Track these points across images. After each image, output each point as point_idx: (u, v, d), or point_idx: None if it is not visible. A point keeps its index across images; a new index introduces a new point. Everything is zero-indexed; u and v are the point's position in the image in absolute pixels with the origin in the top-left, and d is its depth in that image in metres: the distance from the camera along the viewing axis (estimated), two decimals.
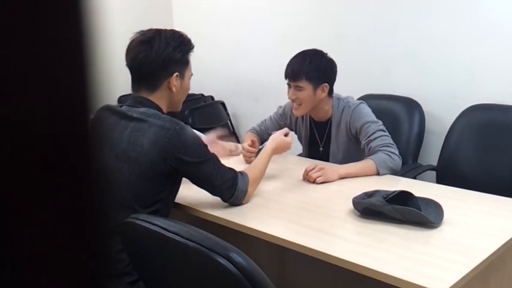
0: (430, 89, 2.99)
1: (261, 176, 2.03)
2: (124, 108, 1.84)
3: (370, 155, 2.28)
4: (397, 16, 3.07)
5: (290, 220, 1.88)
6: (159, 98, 1.85)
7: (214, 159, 1.85)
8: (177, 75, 1.84)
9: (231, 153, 2.38)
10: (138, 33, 1.84)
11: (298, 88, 2.36)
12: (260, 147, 2.43)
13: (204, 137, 2.32)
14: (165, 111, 1.87)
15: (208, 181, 1.84)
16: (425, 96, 2.97)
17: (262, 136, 2.65)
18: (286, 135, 2.18)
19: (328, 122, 2.51)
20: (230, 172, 1.88)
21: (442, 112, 2.94)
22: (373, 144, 2.29)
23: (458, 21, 2.83)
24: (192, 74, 1.94)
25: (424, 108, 2.92)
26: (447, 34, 2.88)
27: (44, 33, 0.31)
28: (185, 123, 1.84)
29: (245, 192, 1.91)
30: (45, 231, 0.33)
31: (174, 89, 1.85)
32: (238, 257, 1.17)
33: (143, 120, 1.77)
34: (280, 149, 2.15)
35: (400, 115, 2.92)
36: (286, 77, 2.41)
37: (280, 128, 2.61)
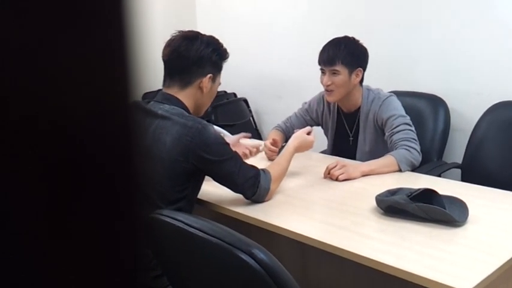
0: (455, 86, 2.95)
1: (283, 173, 2.03)
2: (151, 104, 1.87)
3: (391, 148, 2.28)
4: (422, 13, 3.03)
5: (313, 217, 1.88)
6: (188, 96, 1.87)
7: (236, 157, 1.85)
8: (210, 77, 1.88)
9: (253, 154, 2.39)
10: (179, 31, 1.90)
11: (334, 72, 2.35)
12: (283, 144, 2.43)
13: (228, 138, 2.33)
14: (191, 111, 1.89)
15: (231, 179, 1.85)
16: (451, 93, 2.93)
17: (288, 133, 2.64)
18: (308, 133, 2.18)
19: (357, 113, 2.51)
20: (252, 170, 1.88)
21: (467, 109, 2.90)
22: (395, 137, 2.29)
23: (484, 17, 2.79)
24: (220, 83, 1.98)
25: (449, 105, 2.89)
26: (472, 30, 2.84)
27: (86, 31, 0.32)
28: (208, 120, 1.86)
29: (267, 189, 1.91)
30: (84, 224, 0.34)
31: (204, 90, 1.88)
32: (260, 253, 1.18)
33: (167, 118, 1.80)
34: (302, 147, 2.15)
35: (424, 112, 2.89)
36: (320, 62, 2.40)
37: (306, 123, 2.63)
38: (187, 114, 1.83)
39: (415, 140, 2.28)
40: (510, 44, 2.72)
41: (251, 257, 1.17)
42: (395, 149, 2.26)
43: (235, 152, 1.89)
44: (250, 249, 1.18)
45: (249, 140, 2.51)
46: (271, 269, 1.17)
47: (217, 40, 1.93)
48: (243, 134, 2.48)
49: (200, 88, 1.88)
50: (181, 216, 1.38)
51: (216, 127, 1.90)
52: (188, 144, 1.75)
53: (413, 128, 2.32)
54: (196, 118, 1.82)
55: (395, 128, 2.31)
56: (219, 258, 1.27)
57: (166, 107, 1.83)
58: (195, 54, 1.84)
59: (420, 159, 2.26)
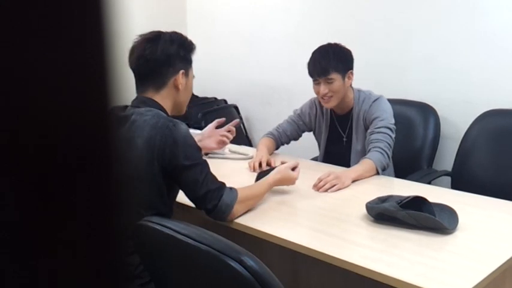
0: (445, 94, 2.96)
1: (254, 199, 1.93)
2: (127, 109, 1.82)
3: (367, 145, 2.37)
4: (412, 21, 3.05)
5: (303, 224, 1.88)
6: (164, 97, 1.83)
7: (204, 165, 1.77)
8: (183, 73, 1.84)
9: (231, 136, 2.39)
10: (140, 35, 1.84)
11: (329, 81, 2.40)
12: (266, 169, 2.36)
13: (204, 130, 2.29)
14: (169, 112, 1.85)
15: (193, 187, 1.76)
16: (441, 101, 2.94)
17: (280, 139, 2.66)
18: (294, 168, 2.09)
19: (349, 114, 2.55)
20: (217, 183, 1.80)
21: (457, 117, 2.92)
22: (373, 136, 2.36)
23: (474, 26, 2.81)
24: (194, 76, 1.93)
25: (439, 113, 2.90)
26: (462, 39, 2.86)
27: (64, 33, 0.31)
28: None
29: (230, 206, 1.79)
30: (63, 230, 0.33)
31: (180, 87, 1.84)
32: (250, 260, 1.17)
33: (140, 121, 1.74)
34: (283, 182, 2.07)
35: (414, 120, 2.90)
36: (313, 74, 2.43)
37: (299, 128, 2.65)
38: (162, 114, 1.78)
39: (390, 145, 2.35)
40: (499, 53, 2.73)
41: (241, 264, 1.16)
42: (370, 148, 2.33)
43: (205, 160, 1.80)
44: (239, 257, 1.17)
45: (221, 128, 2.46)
46: (260, 276, 1.16)
47: (180, 34, 1.87)
48: (216, 120, 2.43)
49: (176, 86, 1.83)
50: (170, 223, 1.37)
51: (189, 130, 1.85)
52: (159, 145, 1.69)
53: (393, 134, 2.38)
54: (167, 117, 1.77)
55: (377, 128, 2.37)
56: (208, 265, 1.26)
57: (142, 109, 1.78)
58: (161, 55, 1.79)
59: (389, 164, 2.36)
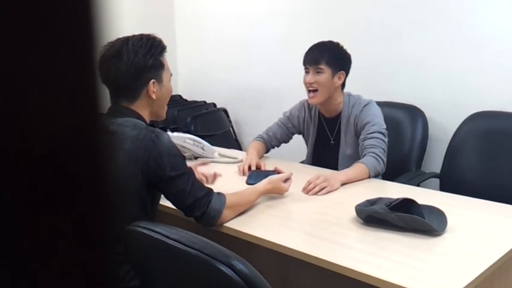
0: (433, 96, 2.98)
1: (242, 205, 1.92)
2: (102, 119, 1.73)
3: (361, 151, 2.36)
4: (401, 24, 3.07)
5: (292, 227, 1.88)
6: (139, 107, 1.78)
7: (189, 173, 1.75)
8: (153, 82, 1.77)
9: (209, 182, 2.22)
10: (106, 45, 1.68)
11: (318, 70, 2.43)
12: (254, 170, 2.38)
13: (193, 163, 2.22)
14: (147, 119, 1.80)
15: (180, 197, 1.74)
16: (429, 103, 2.96)
17: (270, 142, 2.67)
18: (286, 180, 2.08)
19: (338, 118, 2.56)
20: (204, 189, 1.78)
21: (445, 119, 2.94)
22: (367, 142, 2.36)
23: (462, 28, 2.83)
24: (171, 74, 1.87)
25: (427, 115, 2.92)
26: (450, 42, 2.88)
27: (55, 35, 0.31)
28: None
29: (219, 211, 1.78)
30: (55, 235, 0.33)
31: (154, 96, 1.77)
32: (240, 264, 1.17)
33: (118, 133, 1.69)
34: (274, 192, 2.07)
35: (403, 122, 2.91)
36: (305, 62, 2.48)
37: (288, 131, 2.65)
38: (141, 124, 1.73)
39: (384, 150, 2.35)
40: (487, 55, 2.76)
41: (231, 268, 1.16)
42: (364, 154, 2.33)
43: (190, 168, 1.78)
44: (229, 261, 1.17)
45: (205, 167, 2.34)
46: (250, 280, 1.16)
47: (145, 39, 1.76)
48: (200, 160, 2.29)
49: (149, 96, 1.77)
50: (159, 227, 1.37)
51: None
52: (142, 158, 1.66)
53: (386, 139, 2.39)
54: (148, 127, 1.73)
55: (369, 133, 2.37)
56: (198, 270, 1.26)
57: (119, 120, 1.72)
58: (127, 71, 1.71)
59: (384, 170, 2.34)
